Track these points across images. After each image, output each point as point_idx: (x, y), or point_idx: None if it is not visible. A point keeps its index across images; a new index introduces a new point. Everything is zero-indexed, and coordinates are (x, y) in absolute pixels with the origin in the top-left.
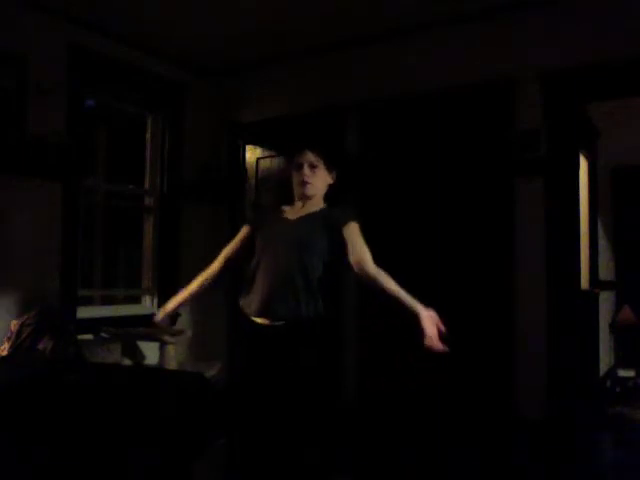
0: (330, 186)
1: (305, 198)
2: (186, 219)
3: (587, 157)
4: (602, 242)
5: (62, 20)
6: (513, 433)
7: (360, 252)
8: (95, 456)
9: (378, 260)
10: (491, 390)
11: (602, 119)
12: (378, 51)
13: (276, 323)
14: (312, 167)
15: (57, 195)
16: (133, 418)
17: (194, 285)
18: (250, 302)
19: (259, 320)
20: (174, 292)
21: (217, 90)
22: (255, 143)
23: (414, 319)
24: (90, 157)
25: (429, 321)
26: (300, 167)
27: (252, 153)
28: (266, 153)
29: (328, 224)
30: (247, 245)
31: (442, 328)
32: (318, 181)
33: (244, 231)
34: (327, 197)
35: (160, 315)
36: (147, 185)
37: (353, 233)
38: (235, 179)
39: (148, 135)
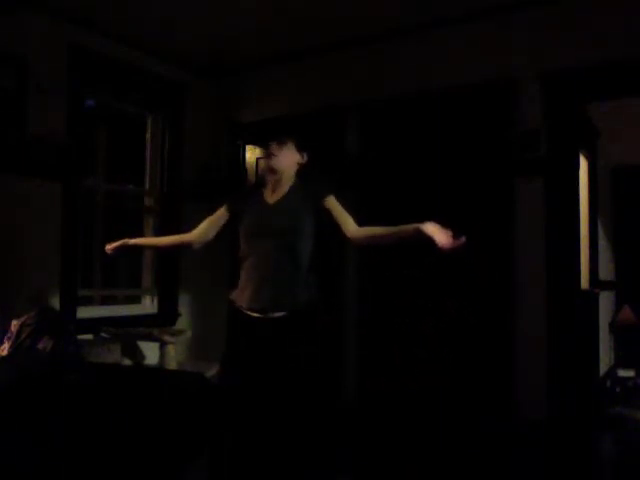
0: (301, 167)
1: (272, 172)
2: (186, 219)
3: (587, 157)
4: (602, 242)
5: (62, 20)
6: (513, 433)
7: (348, 223)
8: (95, 456)
9: (377, 258)
10: (491, 390)
11: (602, 119)
12: (378, 51)
13: (273, 315)
14: (280, 143)
15: (57, 195)
16: (133, 418)
17: (163, 241)
18: (242, 294)
19: (254, 314)
20: (174, 292)
21: (217, 90)
22: (255, 143)
23: (419, 237)
24: (90, 157)
25: (430, 228)
26: (270, 145)
27: (252, 153)
28: None
29: (306, 198)
30: (219, 227)
31: (445, 231)
32: (284, 156)
33: (219, 213)
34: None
35: (115, 245)
36: (147, 185)
37: (336, 206)
38: (235, 179)
39: (148, 135)
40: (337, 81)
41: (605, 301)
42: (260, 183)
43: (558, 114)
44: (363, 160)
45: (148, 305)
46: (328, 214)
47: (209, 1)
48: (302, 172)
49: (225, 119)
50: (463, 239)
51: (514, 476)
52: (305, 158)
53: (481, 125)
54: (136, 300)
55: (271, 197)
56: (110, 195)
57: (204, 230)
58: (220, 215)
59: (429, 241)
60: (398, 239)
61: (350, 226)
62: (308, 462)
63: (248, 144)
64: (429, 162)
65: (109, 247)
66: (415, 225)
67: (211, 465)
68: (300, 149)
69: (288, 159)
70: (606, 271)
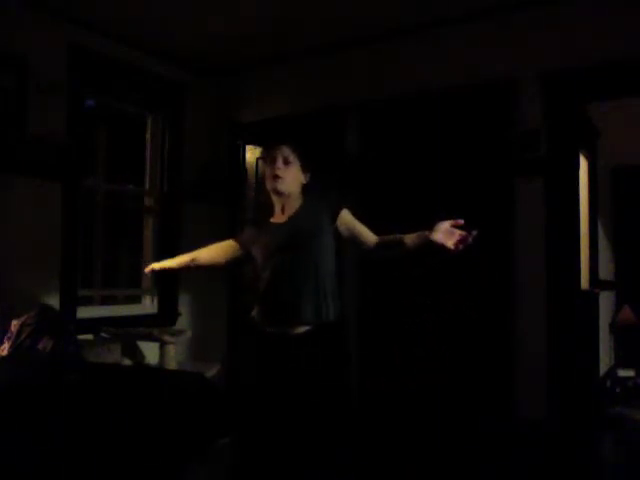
0: (303, 187)
1: (278, 194)
2: (186, 219)
3: (587, 157)
4: (602, 242)
5: (62, 20)
6: (513, 433)
7: (368, 234)
8: (95, 456)
9: (376, 261)
10: (491, 390)
11: (602, 119)
12: (378, 51)
13: (294, 331)
14: (286, 162)
15: (57, 195)
16: (133, 418)
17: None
18: (261, 311)
19: (274, 329)
20: (174, 292)
21: (217, 90)
22: (255, 143)
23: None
24: (90, 157)
25: (439, 235)
26: (273, 161)
27: (252, 153)
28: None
29: (321, 212)
30: (227, 258)
31: (454, 223)
32: (290, 177)
33: (232, 244)
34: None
35: (153, 267)
36: (147, 185)
37: (351, 219)
38: (235, 179)
39: (148, 135)
40: (337, 81)
41: (605, 301)
42: (264, 212)
43: (558, 114)
44: (363, 160)
45: (148, 305)
46: (343, 229)
47: (209, 1)
48: (306, 191)
49: (225, 119)
50: (474, 233)
51: (514, 476)
52: (308, 179)
53: (481, 125)
54: (136, 300)
55: (282, 217)
56: (110, 195)
57: (214, 249)
58: (230, 243)
59: (442, 248)
60: (415, 248)
61: (370, 237)
62: (308, 462)
63: (248, 144)
64: (429, 162)
65: (147, 270)
66: (426, 235)
67: (214, 464)
68: (305, 169)
69: (294, 179)
70: (606, 271)
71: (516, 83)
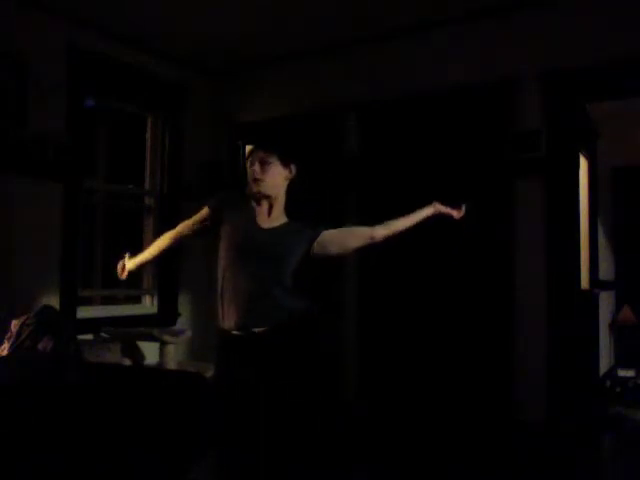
0: (291, 181)
1: (262, 196)
2: (186, 219)
3: (587, 157)
4: (602, 242)
5: (62, 20)
6: (513, 433)
7: (364, 230)
8: (95, 456)
9: (376, 261)
10: (491, 390)
11: (602, 119)
12: (378, 51)
13: (255, 331)
14: (263, 164)
15: (57, 195)
16: (133, 418)
17: (150, 252)
18: (227, 315)
19: (236, 332)
20: (174, 292)
21: (217, 90)
22: (255, 143)
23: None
24: (90, 157)
25: (438, 208)
26: (252, 164)
27: None
28: None
29: (303, 231)
30: (203, 229)
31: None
32: (270, 178)
33: (203, 213)
34: (292, 209)
35: (125, 268)
36: (147, 185)
37: (336, 231)
38: (235, 179)
39: (148, 135)
40: (337, 81)
41: (605, 301)
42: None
43: (558, 114)
44: (362, 160)
45: (148, 305)
46: (332, 246)
47: (209, 1)
48: (293, 186)
49: (225, 119)
50: (463, 207)
51: (514, 476)
52: (294, 171)
53: (481, 125)
54: (136, 300)
55: (266, 221)
56: (110, 195)
57: (181, 229)
58: (202, 215)
59: (446, 216)
60: (416, 225)
61: (368, 231)
62: (308, 462)
63: (248, 144)
64: (429, 162)
65: (121, 274)
66: (426, 211)
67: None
68: (286, 163)
69: (275, 179)
70: (606, 271)
71: (516, 83)
